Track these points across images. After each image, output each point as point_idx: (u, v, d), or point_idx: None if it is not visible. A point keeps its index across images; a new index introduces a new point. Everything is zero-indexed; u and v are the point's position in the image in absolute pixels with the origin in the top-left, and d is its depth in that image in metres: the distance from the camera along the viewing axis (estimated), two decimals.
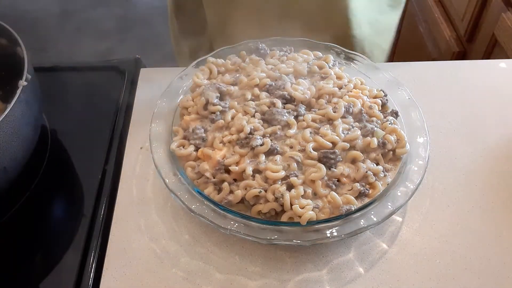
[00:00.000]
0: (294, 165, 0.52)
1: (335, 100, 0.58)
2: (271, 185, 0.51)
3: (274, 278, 0.51)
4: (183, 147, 0.55)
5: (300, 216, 0.48)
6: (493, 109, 0.67)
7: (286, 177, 0.51)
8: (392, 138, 0.55)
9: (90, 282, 0.51)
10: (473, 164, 0.61)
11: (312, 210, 0.49)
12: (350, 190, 0.52)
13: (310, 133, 0.55)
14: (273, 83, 0.59)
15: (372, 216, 0.49)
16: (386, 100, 0.60)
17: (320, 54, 0.65)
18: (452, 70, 0.73)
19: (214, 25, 0.82)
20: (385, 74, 0.63)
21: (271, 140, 0.54)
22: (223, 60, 0.64)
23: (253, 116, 0.56)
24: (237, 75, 0.61)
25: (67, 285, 0.51)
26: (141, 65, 0.75)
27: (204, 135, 0.55)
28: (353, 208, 0.50)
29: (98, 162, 0.62)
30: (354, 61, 0.65)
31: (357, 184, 0.51)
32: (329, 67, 0.62)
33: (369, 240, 0.54)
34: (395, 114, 0.59)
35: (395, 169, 0.54)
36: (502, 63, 0.75)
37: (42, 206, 0.60)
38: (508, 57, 0.95)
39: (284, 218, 0.50)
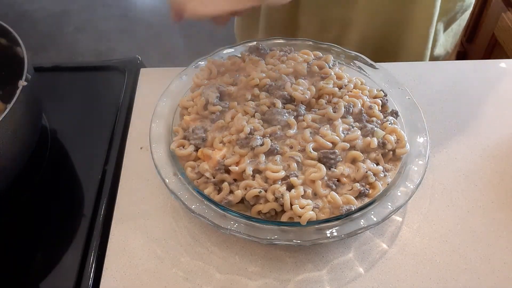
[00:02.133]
0: (294, 165, 0.52)
1: (335, 100, 0.58)
2: (271, 185, 0.51)
3: (274, 278, 0.51)
4: (183, 147, 0.55)
5: (300, 216, 0.48)
6: (493, 109, 0.67)
7: (286, 177, 0.51)
8: (392, 138, 0.55)
9: (90, 282, 0.51)
10: (473, 164, 0.61)
11: (312, 210, 0.49)
12: (350, 190, 0.52)
13: (310, 133, 0.55)
14: (273, 83, 0.59)
15: (372, 216, 0.49)
16: (386, 100, 0.60)
17: (320, 54, 0.65)
18: (452, 70, 0.73)
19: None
20: (385, 74, 0.63)
21: (271, 140, 0.54)
22: (223, 60, 0.64)
23: (253, 116, 0.56)
24: (237, 75, 0.61)
25: (67, 285, 0.51)
26: (141, 65, 0.75)
27: (204, 135, 0.55)
28: (353, 208, 0.50)
29: (98, 162, 0.62)
30: (354, 61, 0.65)
31: (357, 184, 0.51)
32: (329, 67, 0.62)
33: (369, 240, 0.54)
34: (395, 114, 0.59)
35: (395, 169, 0.54)
36: (502, 63, 0.75)
37: (42, 206, 0.60)
38: (508, 57, 0.95)
39: (284, 218, 0.50)
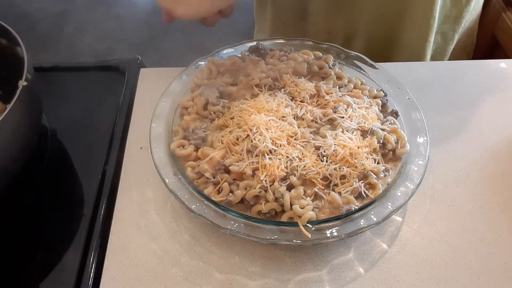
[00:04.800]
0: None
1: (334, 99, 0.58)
2: (271, 185, 0.51)
3: (274, 278, 0.51)
4: (183, 147, 0.55)
5: (300, 216, 0.48)
6: (493, 109, 0.67)
7: (286, 177, 0.51)
8: (392, 138, 0.55)
9: (90, 282, 0.51)
10: (473, 164, 0.61)
11: (312, 210, 0.49)
12: (350, 190, 0.51)
13: (310, 133, 0.55)
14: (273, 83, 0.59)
15: (372, 216, 0.49)
16: (386, 100, 0.60)
17: (320, 54, 0.65)
18: (452, 70, 0.73)
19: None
20: (385, 74, 0.63)
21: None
22: (223, 60, 0.64)
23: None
24: (237, 75, 0.61)
25: (67, 285, 0.51)
26: (141, 65, 0.75)
27: (204, 135, 0.55)
28: (353, 208, 0.50)
29: (98, 162, 0.62)
30: (354, 61, 0.65)
31: (357, 184, 0.51)
32: (329, 67, 0.62)
33: (369, 240, 0.54)
34: (395, 114, 0.59)
35: (395, 169, 0.54)
36: (502, 63, 0.75)
37: (42, 206, 0.60)
38: (508, 57, 0.95)
39: (284, 218, 0.50)
